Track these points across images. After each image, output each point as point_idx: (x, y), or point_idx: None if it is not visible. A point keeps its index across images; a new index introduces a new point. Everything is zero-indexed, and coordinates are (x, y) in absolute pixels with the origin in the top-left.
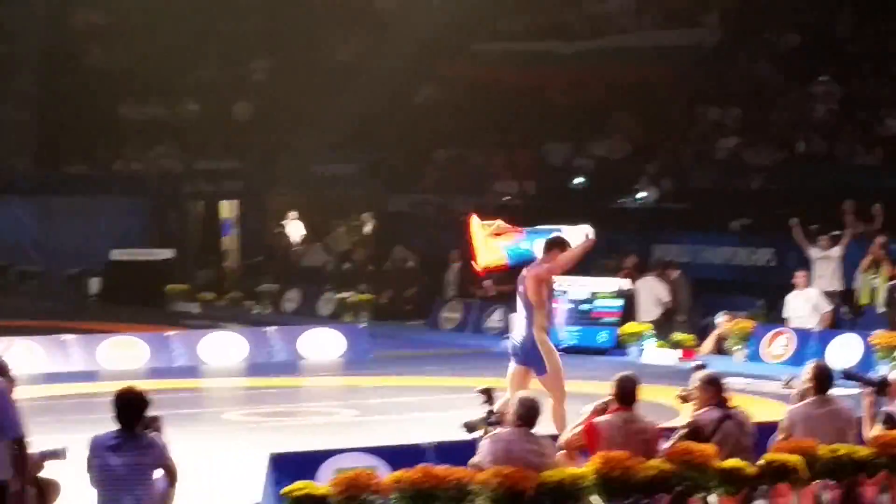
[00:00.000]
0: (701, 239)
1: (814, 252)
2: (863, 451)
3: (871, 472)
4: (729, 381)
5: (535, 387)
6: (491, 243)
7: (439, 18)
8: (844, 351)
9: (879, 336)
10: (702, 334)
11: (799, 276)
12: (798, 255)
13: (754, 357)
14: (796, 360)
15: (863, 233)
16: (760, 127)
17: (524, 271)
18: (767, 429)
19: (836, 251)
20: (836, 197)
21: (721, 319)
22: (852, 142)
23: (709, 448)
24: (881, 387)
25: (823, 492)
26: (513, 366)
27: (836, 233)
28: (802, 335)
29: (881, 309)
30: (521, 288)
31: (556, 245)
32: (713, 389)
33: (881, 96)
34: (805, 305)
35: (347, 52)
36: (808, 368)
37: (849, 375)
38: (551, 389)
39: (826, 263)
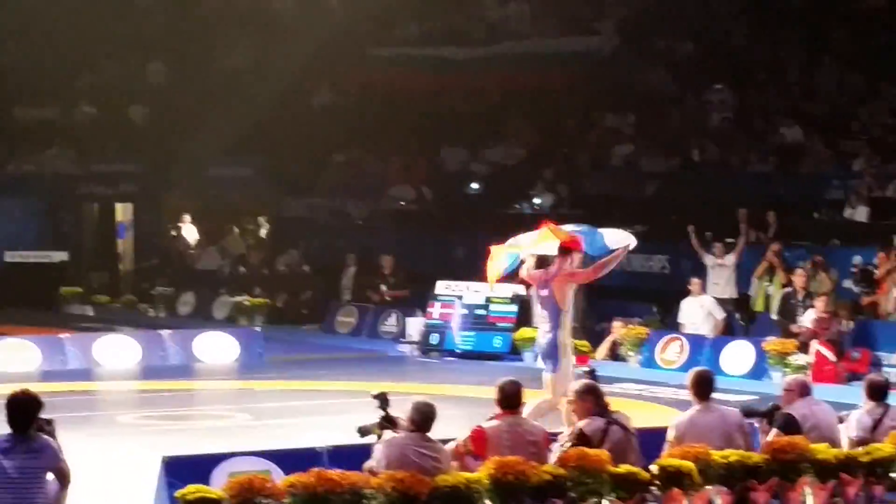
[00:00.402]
0: None
1: (708, 259)
2: (755, 458)
3: (764, 478)
4: (623, 387)
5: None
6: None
7: (336, 23)
8: (737, 357)
9: (772, 343)
10: (596, 340)
11: (694, 283)
12: (692, 261)
13: (648, 363)
14: (689, 366)
15: (757, 240)
16: (655, 134)
17: (541, 274)
18: (661, 434)
19: (731, 258)
20: (731, 205)
21: (616, 325)
22: (746, 150)
23: (602, 453)
24: (770, 414)
25: (716, 497)
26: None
27: (731, 240)
28: (696, 341)
29: (774, 316)
30: (544, 292)
31: (567, 252)
32: (592, 398)
33: (775, 105)
34: (699, 312)
35: (244, 56)
36: (688, 376)
37: (746, 412)
38: (553, 389)
39: (721, 270)
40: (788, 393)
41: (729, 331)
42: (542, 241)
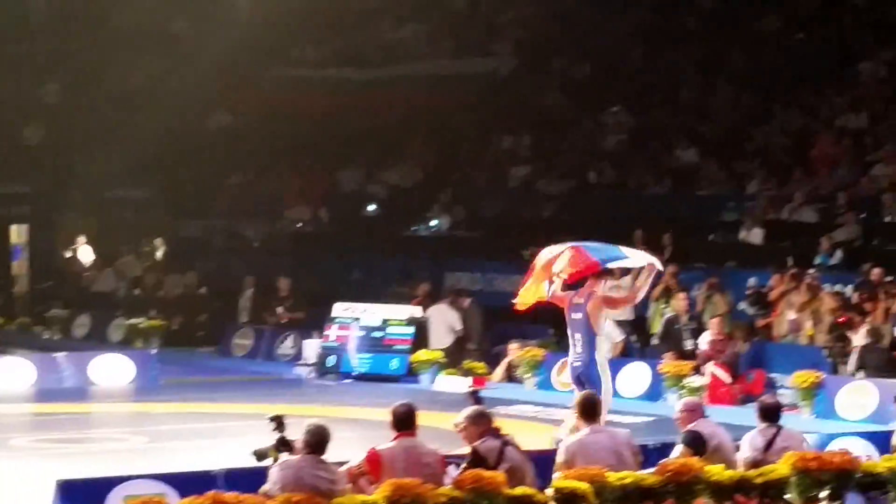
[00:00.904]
0: (493, 267)
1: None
2: (650, 479)
3: (659, 499)
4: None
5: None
6: (541, 278)
7: (234, 44)
8: (634, 379)
9: (668, 365)
10: (493, 362)
11: None
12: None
13: (545, 385)
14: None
15: None
16: (552, 156)
17: (571, 296)
18: (555, 456)
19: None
20: (627, 226)
21: (512, 347)
22: (643, 171)
23: (499, 475)
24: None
25: None
26: (578, 391)
27: None
28: None
29: (656, 341)
30: (578, 315)
31: (599, 275)
32: (484, 422)
33: (671, 126)
34: None
35: (140, 77)
36: (575, 399)
37: None
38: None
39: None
40: (690, 413)
41: (626, 352)
42: (565, 266)
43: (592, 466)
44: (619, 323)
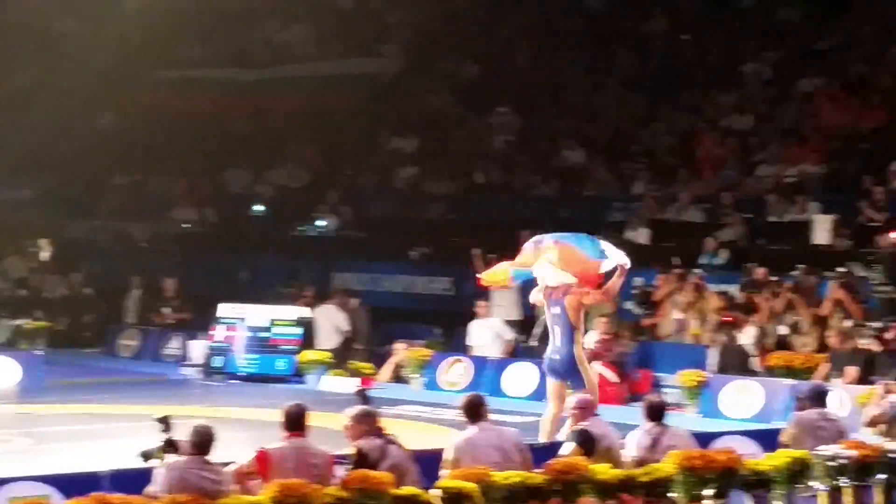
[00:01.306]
0: (380, 267)
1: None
2: (536, 478)
3: (545, 498)
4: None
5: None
6: (504, 264)
7: (120, 44)
8: (520, 379)
9: None
10: (380, 362)
11: (480, 306)
12: (475, 284)
13: (431, 385)
14: (473, 387)
15: None
16: (439, 157)
17: (553, 293)
18: (441, 455)
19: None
20: (514, 227)
21: (399, 347)
22: (529, 172)
23: (385, 475)
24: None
25: None
26: (551, 382)
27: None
28: (479, 363)
29: (534, 342)
30: (556, 309)
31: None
32: (369, 421)
33: (558, 127)
34: (488, 334)
35: (26, 76)
36: (461, 401)
37: None
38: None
39: (504, 293)
40: (582, 411)
41: (512, 352)
42: (555, 263)
43: (480, 465)
44: (509, 322)
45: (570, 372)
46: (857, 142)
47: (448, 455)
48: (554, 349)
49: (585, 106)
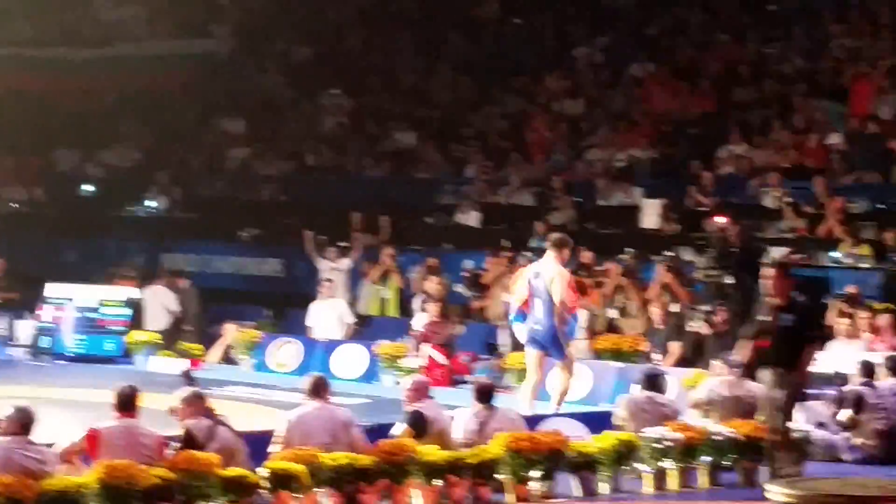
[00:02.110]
0: (210, 248)
1: (323, 264)
2: (364, 460)
3: (373, 479)
4: (235, 391)
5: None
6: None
7: None
8: (350, 361)
9: (384, 346)
10: (210, 343)
11: (324, 287)
12: (307, 265)
13: (261, 366)
14: (302, 369)
15: (371, 244)
16: (271, 138)
17: (536, 268)
18: (270, 437)
19: (346, 263)
20: (345, 208)
21: (229, 328)
22: (361, 154)
23: (212, 457)
24: None
25: (325, 499)
26: (532, 352)
27: (345, 244)
28: (309, 345)
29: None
30: (539, 282)
31: (565, 244)
32: (198, 402)
33: (390, 110)
34: (331, 315)
35: None
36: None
37: None
38: (565, 371)
39: (335, 275)
40: (416, 392)
41: (352, 336)
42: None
43: (310, 442)
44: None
45: (550, 343)
46: (685, 127)
47: (280, 430)
48: (535, 321)
49: (417, 89)
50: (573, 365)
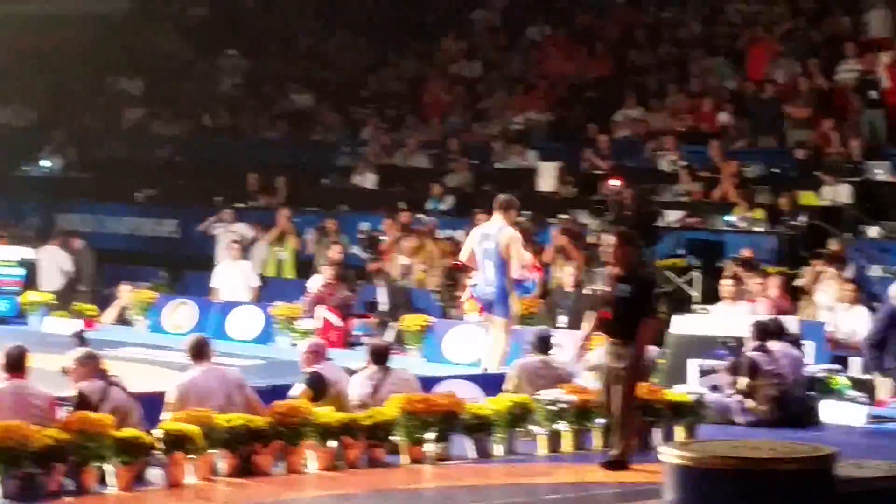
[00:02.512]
0: (105, 209)
1: (219, 226)
2: (259, 421)
3: (267, 441)
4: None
5: None
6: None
7: None
8: (245, 322)
9: (279, 308)
10: (105, 304)
11: (233, 248)
12: (202, 228)
13: (156, 328)
14: (197, 330)
15: (267, 206)
16: (167, 99)
17: (486, 229)
18: (164, 398)
19: (241, 226)
20: (242, 170)
21: (124, 289)
22: (257, 116)
23: (106, 418)
24: None
25: (220, 461)
26: (497, 320)
27: (241, 205)
28: (204, 306)
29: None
30: (489, 245)
31: (512, 205)
32: (92, 363)
33: (287, 72)
34: (239, 276)
35: None
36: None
37: None
38: (504, 330)
39: (230, 237)
40: (313, 355)
41: (258, 297)
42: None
43: (203, 405)
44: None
45: (498, 300)
46: (582, 91)
47: (171, 396)
48: (486, 281)
49: (314, 51)
50: (511, 326)
